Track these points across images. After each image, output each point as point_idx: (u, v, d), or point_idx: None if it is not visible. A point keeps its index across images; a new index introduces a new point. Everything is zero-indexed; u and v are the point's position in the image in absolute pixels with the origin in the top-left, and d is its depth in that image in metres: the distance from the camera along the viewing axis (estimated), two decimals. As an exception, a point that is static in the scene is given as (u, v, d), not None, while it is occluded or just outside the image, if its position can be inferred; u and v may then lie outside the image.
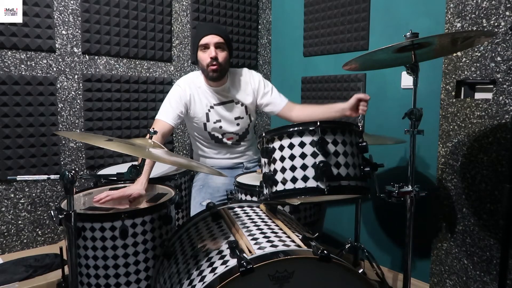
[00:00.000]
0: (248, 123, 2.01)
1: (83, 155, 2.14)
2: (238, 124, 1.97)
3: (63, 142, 2.06)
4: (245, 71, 2.01)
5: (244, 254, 0.94)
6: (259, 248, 1.00)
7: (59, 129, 2.04)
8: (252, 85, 1.98)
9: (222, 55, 1.81)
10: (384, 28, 2.17)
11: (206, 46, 1.80)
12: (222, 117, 1.93)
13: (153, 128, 1.26)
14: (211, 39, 1.78)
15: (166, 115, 1.81)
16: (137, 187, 1.49)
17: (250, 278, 0.88)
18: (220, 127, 1.94)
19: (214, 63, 1.78)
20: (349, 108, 1.68)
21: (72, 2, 2.03)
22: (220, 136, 1.97)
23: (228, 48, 1.85)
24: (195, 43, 1.84)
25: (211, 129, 1.94)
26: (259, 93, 1.99)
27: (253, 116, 2.04)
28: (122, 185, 1.65)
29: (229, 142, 2.00)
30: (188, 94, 1.88)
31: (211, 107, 1.91)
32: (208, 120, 1.92)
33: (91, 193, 1.53)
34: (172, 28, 2.41)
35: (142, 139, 1.22)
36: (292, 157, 1.16)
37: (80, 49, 2.08)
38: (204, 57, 1.80)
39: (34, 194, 1.99)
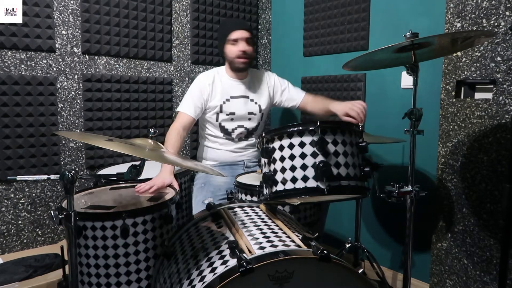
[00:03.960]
0: (259, 121, 2.12)
1: (83, 155, 2.14)
2: (249, 119, 2.08)
3: (63, 142, 2.06)
4: (263, 71, 2.19)
5: (244, 254, 0.94)
6: (259, 248, 1.00)
7: (59, 129, 2.04)
8: (269, 84, 2.13)
9: (250, 49, 1.97)
10: (384, 28, 2.17)
11: (236, 40, 1.94)
12: (236, 110, 2.04)
13: (153, 128, 1.26)
14: (241, 34, 1.93)
15: (188, 107, 1.94)
16: (169, 177, 1.59)
17: (250, 278, 0.88)
18: (232, 119, 2.04)
19: (245, 55, 1.94)
20: (342, 115, 1.73)
21: (72, 2, 2.03)
22: (230, 129, 2.06)
23: (254, 43, 2.02)
24: (224, 37, 1.97)
25: (222, 120, 2.03)
26: (277, 92, 2.14)
27: (265, 115, 2.16)
28: (122, 185, 1.65)
29: (237, 139, 2.08)
30: (208, 87, 1.99)
31: (227, 99, 2.03)
32: (221, 111, 2.02)
33: (92, 193, 1.53)
34: (172, 28, 2.42)
35: (142, 139, 1.22)
36: (292, 157, 1.16)
37: (80, 49, 2.08)
38: (234, 50, 1.95)
39: (34, 194, 1.99)
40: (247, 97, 2.07)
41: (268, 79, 2.13)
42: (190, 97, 1.98)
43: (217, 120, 2.03)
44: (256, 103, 2.09)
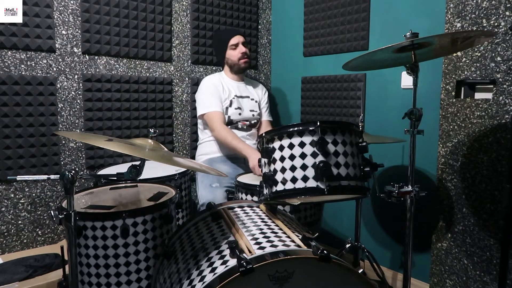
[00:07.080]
0: (258, 118, 2.40)
1: (83, 155, 2.14)
2: (253, 115, 2.35)
3: (63, 142, 2.06)
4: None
5: (244, 254, 0.94)
6: (259, 248, 1.00)
7: (59, 129, 2.04)
8: (263, 90, 2.49)
9: (248, 50, 2.31)
10: (384, 28, 2.17)
11: (236, 45, 2.27)
12: (241, 106, 2.30)
13: (153, 128, 1.27)
14: (239, 38, 2.28)
15: (216, 105, 2.17)
16: (255, 153, 1.87)
17: (250, 278, 0.88)
18: (240, 113, 2.28)
19: (245, 56, 2.28)
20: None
21: (72, 2, 2.03)
22: (236, 121, 2.27)
23: (248, 44, 2.41)
24: (223, 44, 2.29)
25: (231, 113, 2.25)
26: (263, 98, 2.47)
27: (262, 114, 2.45)
28: (122, 185, 1.65)
29: (241, 128, 2.30)
30: (219, 84, 2.26)
31: (236, 95, 2.29)
32: (230, 105, 2.25)
33: (92, 193, 1.53)
34: (172, 28, 2.41)
35: (142, 139, 1.23)
36: (292, 157, 1.16)
37: (80, 49, 2.08)
38: (235, 53, 2.27)
39: (34, 194, 1.99)
40: (247, 96, 2.36)
41: (262, 87, 2.50)
42: (209, 96, 2.19)
43: (226, 114, 2.23)
44: (256, 101, 2.39)
